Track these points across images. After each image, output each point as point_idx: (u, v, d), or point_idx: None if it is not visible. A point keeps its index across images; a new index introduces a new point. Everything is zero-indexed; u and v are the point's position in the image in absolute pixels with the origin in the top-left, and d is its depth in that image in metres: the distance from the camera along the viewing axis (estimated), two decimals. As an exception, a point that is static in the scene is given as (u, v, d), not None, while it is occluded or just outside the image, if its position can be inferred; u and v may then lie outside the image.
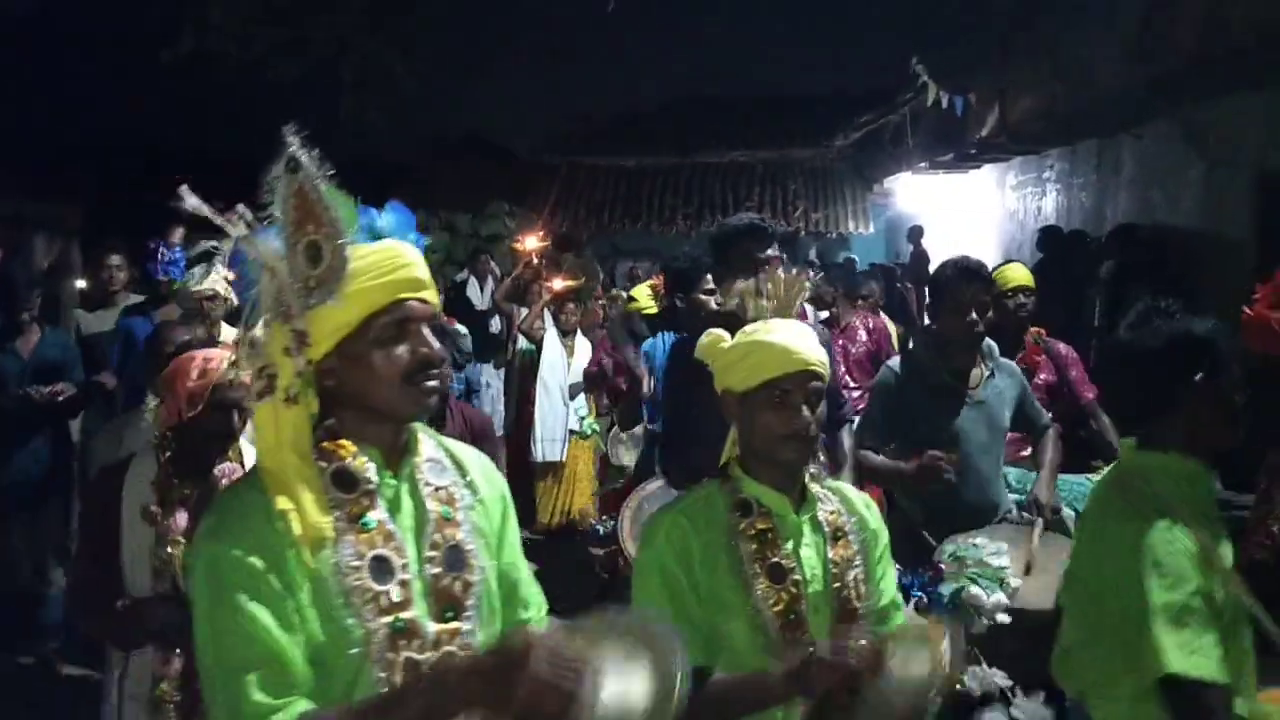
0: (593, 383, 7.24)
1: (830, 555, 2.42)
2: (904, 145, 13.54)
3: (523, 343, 8.65)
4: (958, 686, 3.01)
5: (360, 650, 1.75)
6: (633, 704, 1.69)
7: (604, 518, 5.50)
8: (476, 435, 4.17)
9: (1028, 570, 3.63)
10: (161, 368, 3.35)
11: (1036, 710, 3.22)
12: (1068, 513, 4.20)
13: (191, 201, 1.76)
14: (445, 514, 1.91)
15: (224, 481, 3.09)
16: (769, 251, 4.07)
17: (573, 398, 8.09)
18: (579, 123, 16.16)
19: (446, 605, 1.85)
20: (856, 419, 4.59)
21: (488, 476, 2.07)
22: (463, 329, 6.82)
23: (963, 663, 2.84)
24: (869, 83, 13.72)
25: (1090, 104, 8.04)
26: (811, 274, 8.35)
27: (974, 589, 3.43)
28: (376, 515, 1.82)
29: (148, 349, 4.20)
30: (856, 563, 2.45)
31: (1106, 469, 3.47)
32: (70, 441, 6.22)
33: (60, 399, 5.80)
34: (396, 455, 1.90)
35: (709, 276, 4.56)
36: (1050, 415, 4.65)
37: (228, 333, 4.80)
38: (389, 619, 1.77)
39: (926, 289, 7.70)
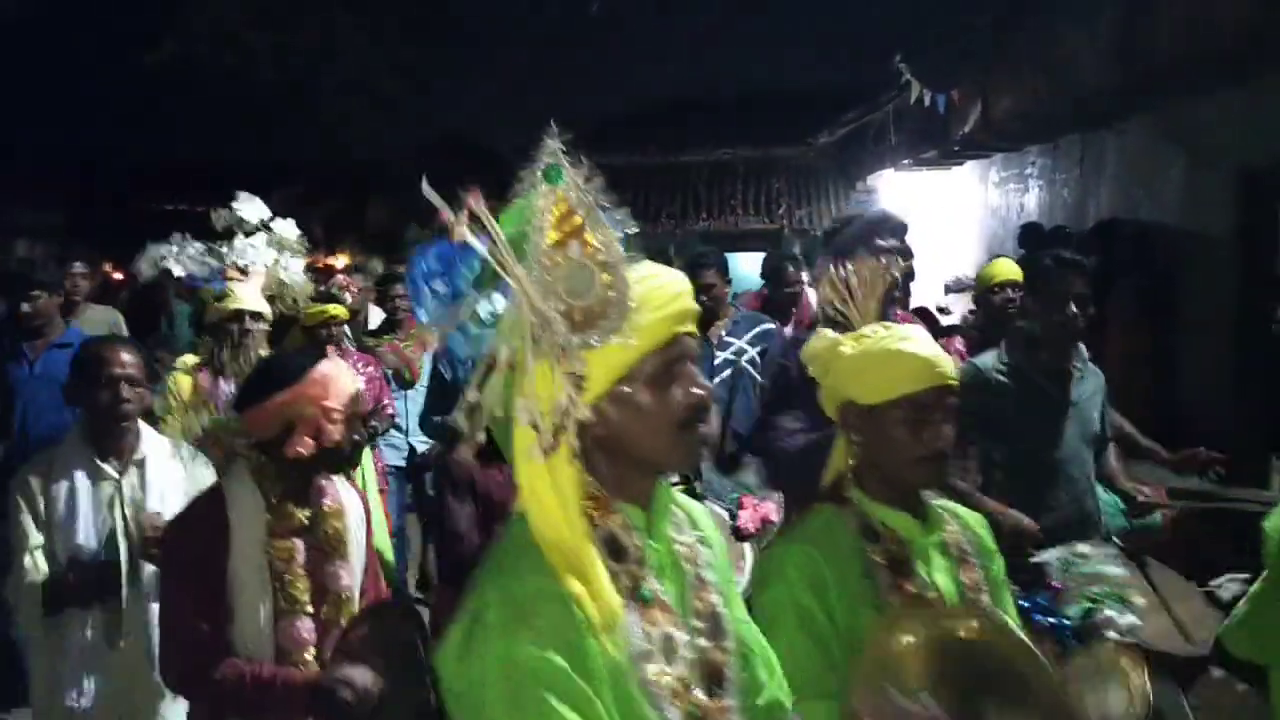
0: None
1: (961, 579, 2.23)
2: (887, 143, 13.58)
3: None
4: None
5: None
6: None
7: None
8: None
9: None
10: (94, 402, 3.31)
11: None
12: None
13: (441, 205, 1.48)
14: (700, 576, 1.72)
15: (330, 502, 2.85)
16: (890, 242, 3.86)
17: None
18: (561, 122, 16.16)
19: (713, 679, 1.65)
20: None
21: (713, 526, 1.86)
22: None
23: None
24: (851, 81, 13.77)
25: (1072, 101, 8.07)
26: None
27: (1106, 611, 2.94)
28: (651, 585, 1.61)
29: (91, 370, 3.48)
30: (983, 586, 2.25)
31: None
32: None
33: None
34: (653, 512, 1.67)
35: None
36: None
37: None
38: (685, 706, 1.57)
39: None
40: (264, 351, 4.67)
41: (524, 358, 1.48)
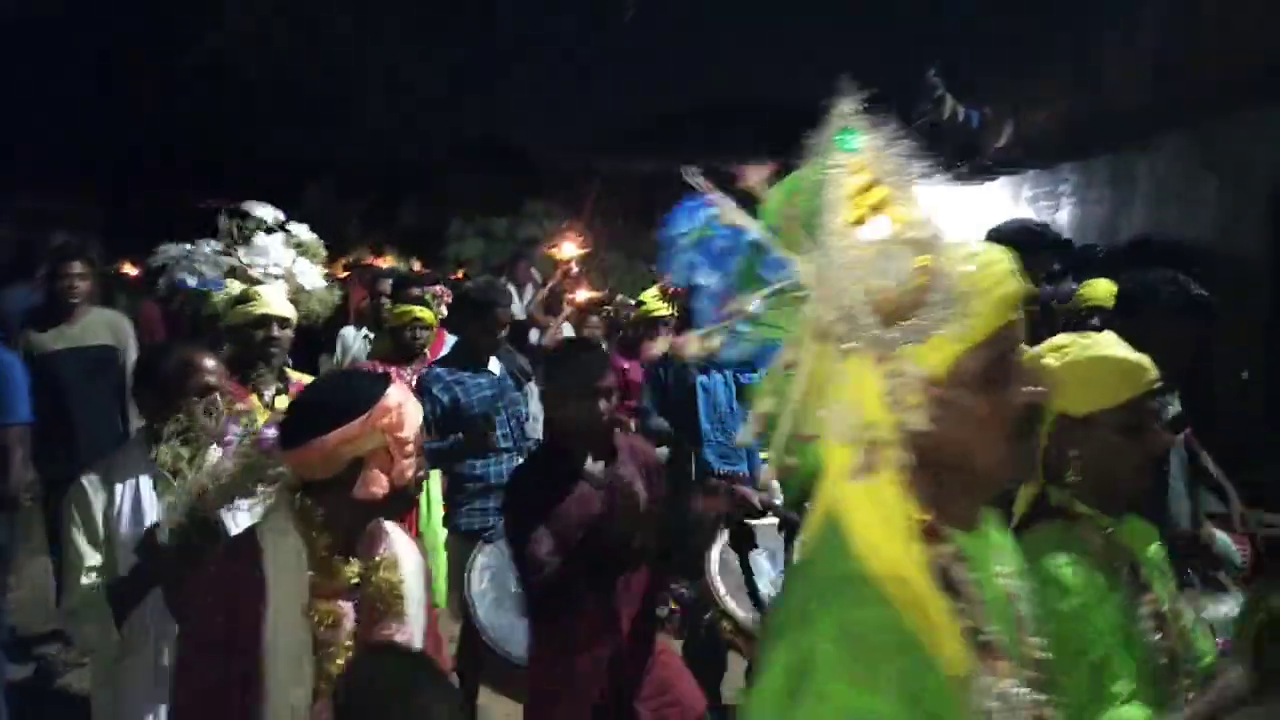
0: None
1: (1167, 589, 2.16)
2: (920, 156, 13.56)
3: None
4: None
5: None
6: None
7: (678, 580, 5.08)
8: (651, 470, 3.53)
9: None
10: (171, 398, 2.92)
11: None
12: None
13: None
14: (1022, 616, 1.45)
15: (384, 551, 2.41)
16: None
17: None
18: (598, 128, 16.20)
19: None
20: None
21: (1019, 557, 1.58)
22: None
23: None
24: (881, 92, 13.74)
25: (1105, 119, 8.06)
26: None
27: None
28: (989, 629, 1.33)
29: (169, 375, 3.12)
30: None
31: None
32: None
33: None
34: (980, 539, 1.41)
35: None
36: None
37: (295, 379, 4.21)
38: None
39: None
40: (289, 364, 4.29)
41: (824, 360, 1.23)
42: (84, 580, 2.94)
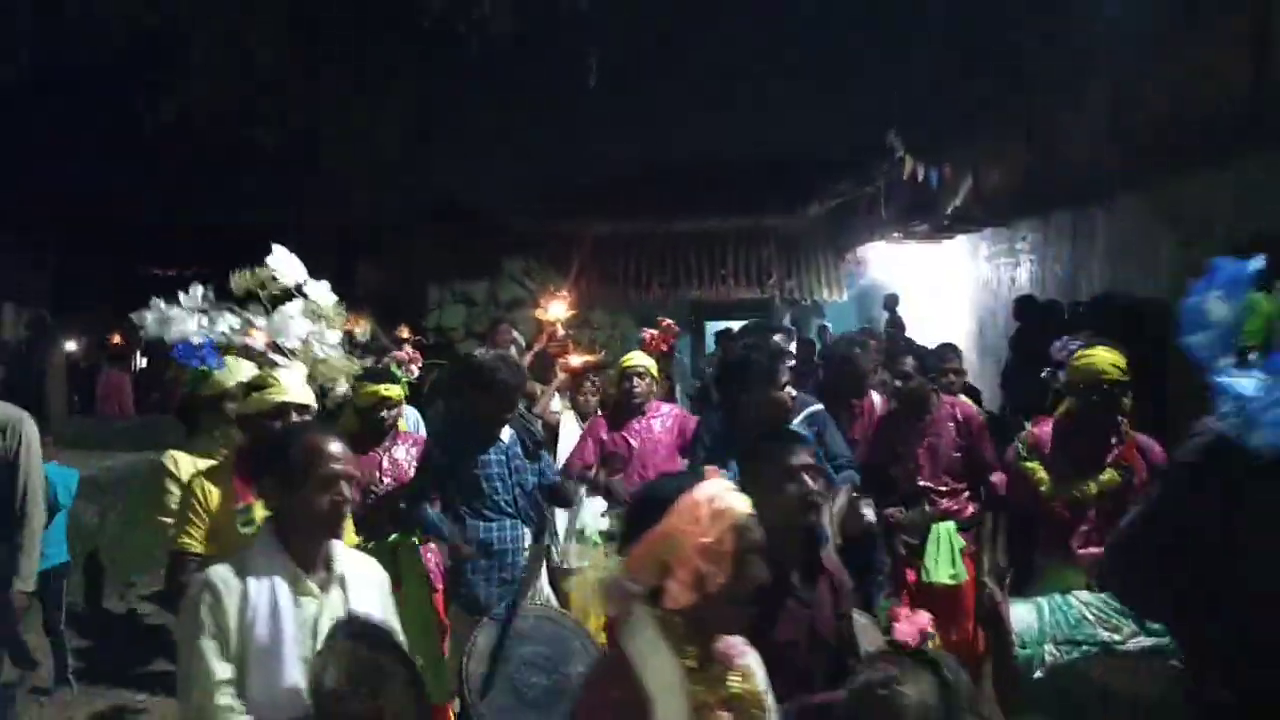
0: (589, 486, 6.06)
1: None
2: (877, 214, 13.70)
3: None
4: None
5: None
6: None
7: None
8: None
9: None
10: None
11: None
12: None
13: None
14: None
15: (739, 660, 2.24)
16: None
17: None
18: (554, 190, 16.20)
19: None
20: None
21: None
22: None
23: None
24: (843, 153, 13.91)
25: (1062, 177, 8.14)
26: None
27: None
28: None
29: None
30: None
31: None
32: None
33: None
34: None
35: None
36: None
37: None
38: None
39: (891, 357, 7.06)
40: None
41: None
42: (219, 699, 2.50)
